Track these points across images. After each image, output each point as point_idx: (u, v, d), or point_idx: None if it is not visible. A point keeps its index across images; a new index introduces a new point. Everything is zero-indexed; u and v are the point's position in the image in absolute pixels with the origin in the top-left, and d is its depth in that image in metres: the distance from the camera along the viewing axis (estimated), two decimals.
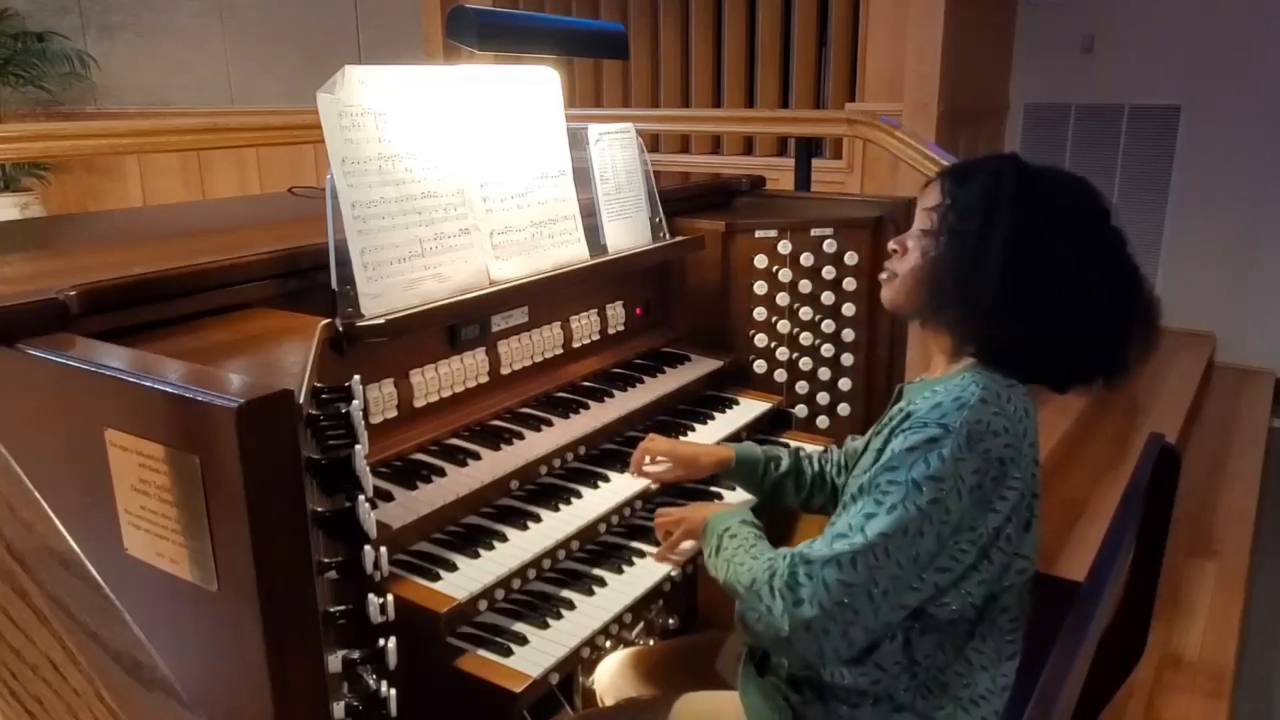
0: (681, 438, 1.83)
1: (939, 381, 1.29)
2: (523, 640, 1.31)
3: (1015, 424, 1.22)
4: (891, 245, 1.42)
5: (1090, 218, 1.28)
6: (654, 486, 1.65)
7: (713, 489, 1.73)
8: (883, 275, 1.43)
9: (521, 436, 1.65)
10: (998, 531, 1.22)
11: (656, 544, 1.55)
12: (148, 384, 0.96)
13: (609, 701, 1.70)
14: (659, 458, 1.66)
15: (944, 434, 1.18)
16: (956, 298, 1.28)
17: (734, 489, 1.70)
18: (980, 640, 1.28)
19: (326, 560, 1.02)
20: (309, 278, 1.43)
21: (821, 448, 1.97)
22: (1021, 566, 1.28)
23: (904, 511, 1.17)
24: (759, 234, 2.05)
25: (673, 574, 1.49)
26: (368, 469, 1.04)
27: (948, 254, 1.28)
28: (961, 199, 1.29)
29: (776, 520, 1.71)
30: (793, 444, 1.98)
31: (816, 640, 1.18)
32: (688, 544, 1.51)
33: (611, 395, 1.85)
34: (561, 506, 1.55)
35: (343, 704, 1.03)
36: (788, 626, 1.19)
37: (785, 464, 1.65)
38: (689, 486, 1.70)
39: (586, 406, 1.79)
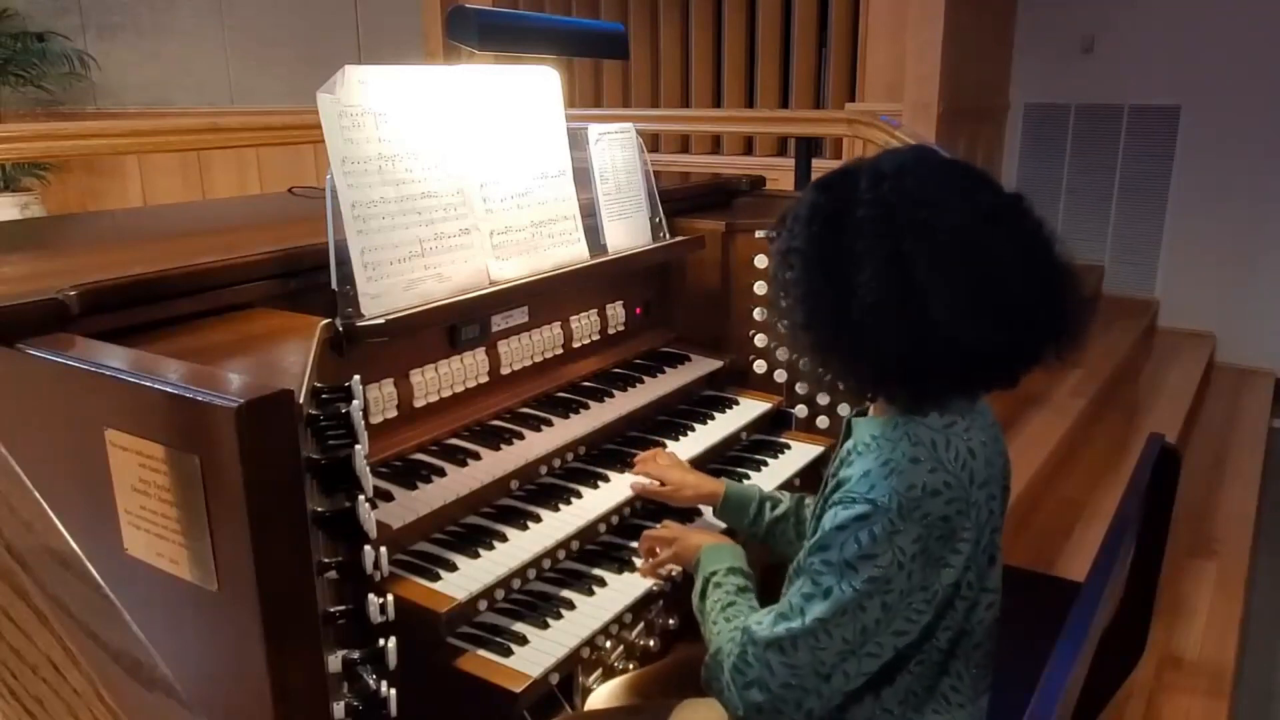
0: (682, 438, 1.83)
1: (876, 424, 1.17)
2: (523, 640, 1.31)
3: (957, 473, 1.12)
4: (770, 299, 1.33)
5: (906, 218, 1.08)
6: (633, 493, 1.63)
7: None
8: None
9: (521, 436, 1.65)
10: (957, 584, 1.15)
11: None
12: (148, 384, 0.96)
13: None
14: (655, 477, 1.63)
15: (873, 510, 1.09)
16: (809, 351, 1.20)
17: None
18: (956, 679, 1.22)
19: (326, 560, 1.02)
20: (309, 278, 1.43)
21: (822, 446, 1.98)
22: (990, 601, 1.22)
23: (840, 594, 1.10)
24: (759, 234, 2.05)
25: (654, 588, 1.48)
26: (368, 469, 1.04)
27: (786, 310, 1.19)
28: (778, 249, 1.19)
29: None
30: (794, 444, 1.99)
31: (772, 717, 1.15)
32: (674, 568, 1.50)
33: (611, 395, 1.85)
34: (561, 506, 1.55)
35: (343, 704, 1.03)
36: (741, 707, 1.17)
37: (783, 507, 1.53)
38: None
39: (586, 406, 1.79)
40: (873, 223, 1.09)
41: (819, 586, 1.12)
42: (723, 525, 1.63)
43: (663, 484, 1.62)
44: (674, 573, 1.49)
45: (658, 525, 1.56)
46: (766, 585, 1.38)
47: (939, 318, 1.06)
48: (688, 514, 1.68)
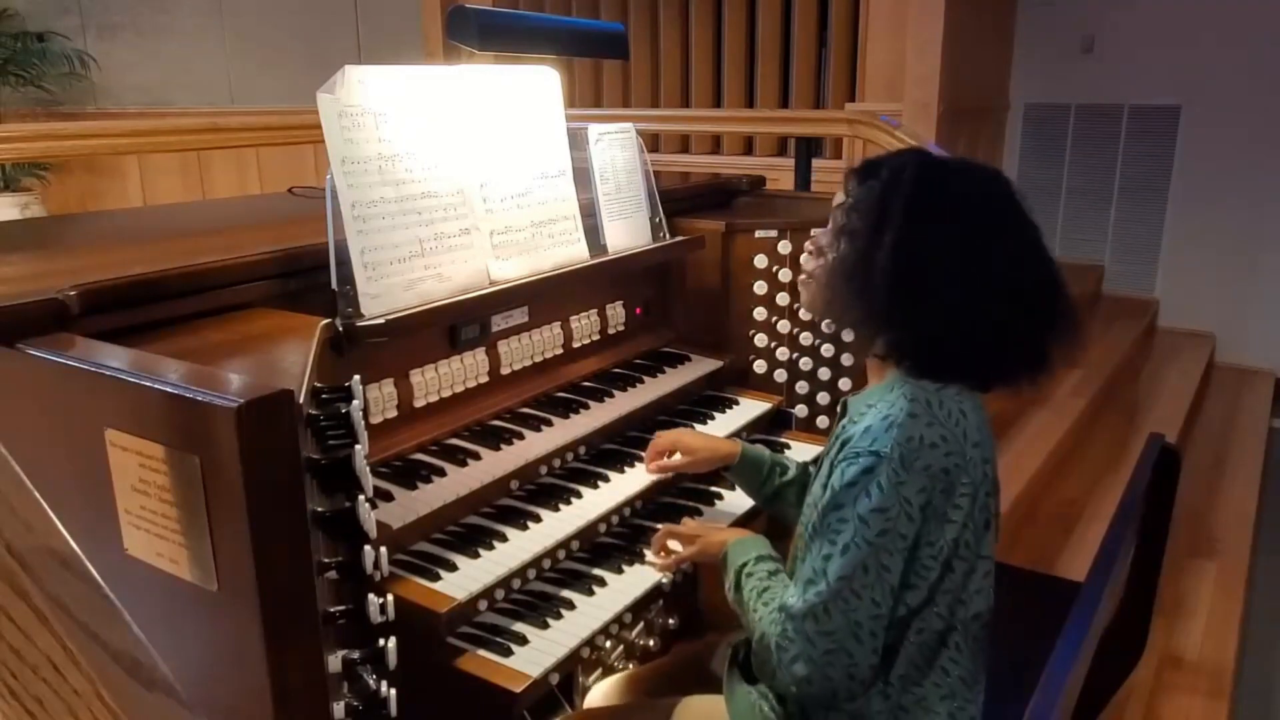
0: None
1: (873, 394, 1.26)
2: (523, 640, 1.31)
3: (952, 429, 1.19)
4: (808, 246, 1.39)
5: (991, 215, 1.23)
6: (665, 477, 1.66)
7: (711, 489, 1.74)
8: (802, 277, 1.40)
9: (521, 436, 1.65)
10: (956, 542, 1.19)
11: None
12: (148, 384, 0.96)
13: None
14: (667, 449, 1.65)
15: (878, 461, 1.16)
16: (853, 299, 1.25)
17: (733, 488, 1.70)
18: (955, 650, 1.24)
19: (326, 560, 1.02)
20: (309, 278, 1.43)
21: (822, 446, 1.98)
22: (986, 570, 1.25)
23: (857, 549, 1.15)
24: (759, 234, 2.05)
25: (664, 581, 1.49)
26: (368, 469, 1.04)
27: (844, 255, 1.25)
28: (860, 198, 1.26)
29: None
30: (794, 444, 1.99)
31: (823, 689, 1.18)
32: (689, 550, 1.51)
33: (611, 395, 1.85)
34: (561, 506, 1.55)
35: (343, 704, 1.03)
36: (792, 684, 1.19)
37: (791, 473, 1.60)
38: (688, 486, 1.70)
39: (586, 406, 1.79)
40: (975, 225, 1.21)
41: (835, 545, 1.17)
42: (738, 514, 1.67)
43: (679, 452, 1.64)
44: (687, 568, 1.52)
45: (667, 524, 1.57)
46: None
47: (999, 271, 1.19)
48: (699, 508, 1.69)
